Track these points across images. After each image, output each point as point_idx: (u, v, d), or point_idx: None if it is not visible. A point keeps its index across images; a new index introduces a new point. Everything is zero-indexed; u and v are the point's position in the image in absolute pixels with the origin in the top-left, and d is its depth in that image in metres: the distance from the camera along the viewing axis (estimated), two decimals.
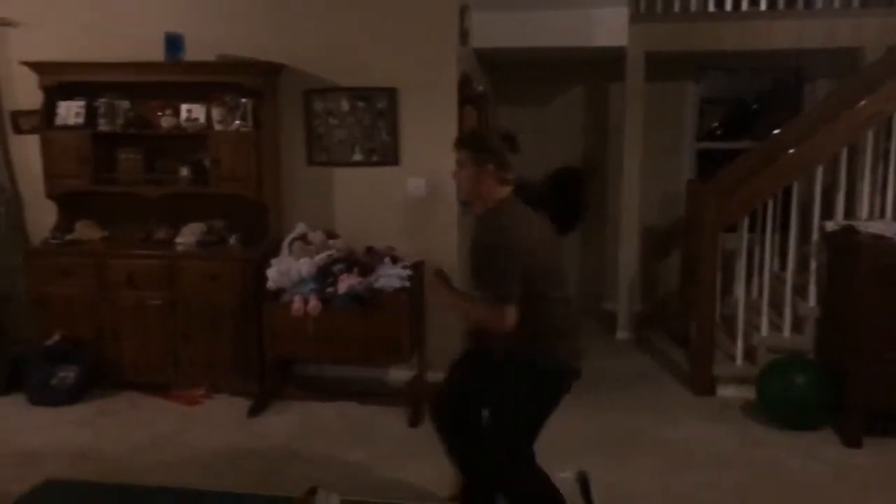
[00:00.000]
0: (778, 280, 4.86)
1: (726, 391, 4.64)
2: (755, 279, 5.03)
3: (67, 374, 4.48)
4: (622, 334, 5.90)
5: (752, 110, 7.13)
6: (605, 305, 6.60)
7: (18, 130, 4.94)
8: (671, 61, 6.05)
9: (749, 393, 4.42)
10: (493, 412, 2.78)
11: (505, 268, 2.59)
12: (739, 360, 4.64)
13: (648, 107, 5.79)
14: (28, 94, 4.75)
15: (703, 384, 4.67)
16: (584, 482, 2.57)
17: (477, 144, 2.77)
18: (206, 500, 2.09)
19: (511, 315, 2.58)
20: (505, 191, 2.75)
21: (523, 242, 2.64)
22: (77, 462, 3.69)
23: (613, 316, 6.05)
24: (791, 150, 4.71)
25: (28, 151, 4.86)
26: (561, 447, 3.88)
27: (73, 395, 4.49)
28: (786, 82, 6.51)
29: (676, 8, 5.56)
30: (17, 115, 4.91)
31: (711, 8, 5.53)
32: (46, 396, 4.45)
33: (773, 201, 4.67)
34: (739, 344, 4.63)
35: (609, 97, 6.48)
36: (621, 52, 5.46)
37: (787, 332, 4.57)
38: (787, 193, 4.60)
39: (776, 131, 5.56)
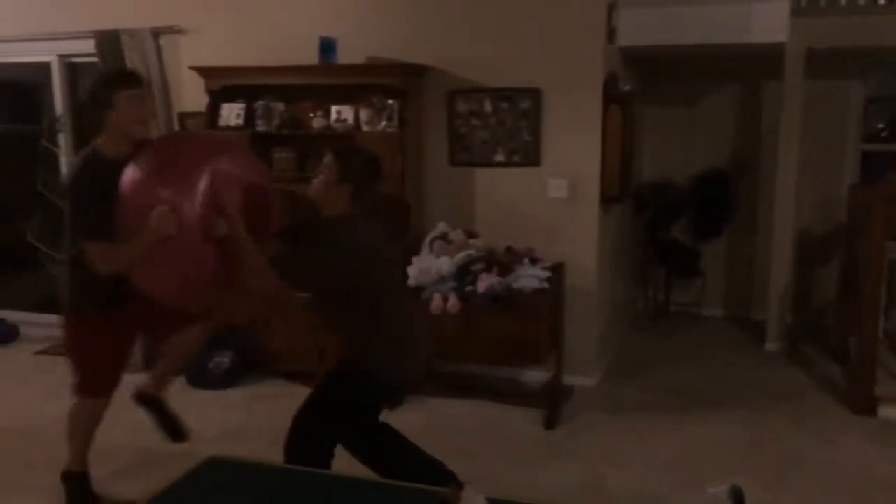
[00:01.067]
0: None
1: (888, 412, 4.30)
2: None
3: (223, 360, 4.78)
4: (771, 345, 5.60)
5: None
6: (752, 314, 6.30)
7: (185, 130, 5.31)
8: (834, 58, 5.67)
9: None
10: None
11: (317, 259, 2.76)
12: None
13: (807, 106, 5.46)
14: (195, 97, 5.09)
15: (862, 403, 4.35)
16: (738, 498, 2.44)
17: (345, 162, 2.91)
18: (360, 488, 2.16)
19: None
20: (351, 209, 2.89)
21: (351, 261, 2.77)
22: (231, 443, 3.94)
23: (762, 325, 5.75)
24: None
25: None
26: (711, 461, 3.75)
27: (227, 380, 4.78)
28: None
29: (843, 1, 5.20)
30: (184, 117, 5.27)
31: (882, 0, 5.13)
32: (203, 379, 4.76)
33: None
34: None
35: (763, 95, 6.17)
36: (779, 48, 5.17)
37: None
38: None
39: None
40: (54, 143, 5.67)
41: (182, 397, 4.62)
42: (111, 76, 3.21)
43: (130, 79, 3.03)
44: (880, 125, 6.50)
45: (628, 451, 3.90)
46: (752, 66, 5.99)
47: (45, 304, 6.09)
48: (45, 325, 5.91)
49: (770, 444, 3.99)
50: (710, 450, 3.91)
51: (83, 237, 2.93)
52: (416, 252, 4.53)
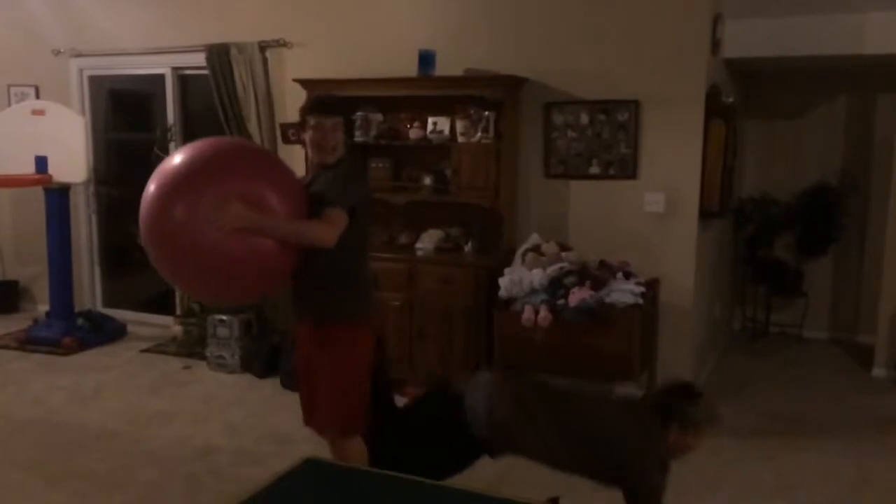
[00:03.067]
0: None
1: None
2: None
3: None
4: (879, 371, 5.31)
5: None
6: (859, 338, 6.00)
7: (286, 140, 5.48)
8: None
9: None
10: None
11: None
12: None
13: None
14: (296, 109, 5.23)
15: None
16: None
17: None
18: (447, 496, 2.17)
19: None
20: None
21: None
22: (322, 445, 4.03)
23: (869, 350, 5.47)
24: None
25: (293, 159, 5.37)
26: (811, 493, 3.59)
27: None
28: None
29: None
30: (285, 127, 5.45)
31: None
32: (295, 381, 4.88)
33: None
34: None
35: (876, 108, 5.88)
36: (895, 59, 4.92)
37: None
38: None
39: None
40: (165, 151, 5.96)
41: (275, 399, 4.78)
42: (309, 99, 3.39)
43: (320, 106, 3.05)
44: None
45: (723, 476, 3.77)
46: (864, 77, 5.72)
47: (151, 304, 6.41)
48: (151, 325, 6.22)
49: (874, 477, 3.77)
50: (810, 481, 3.74)
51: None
52: (509, 263, 4.53)
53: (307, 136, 3.03)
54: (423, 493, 2.15)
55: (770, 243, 6.09)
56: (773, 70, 5.69)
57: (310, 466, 2.23)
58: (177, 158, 2.83)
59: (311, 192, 2.97)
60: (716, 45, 4.60)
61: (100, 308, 6.50)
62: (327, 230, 2.83)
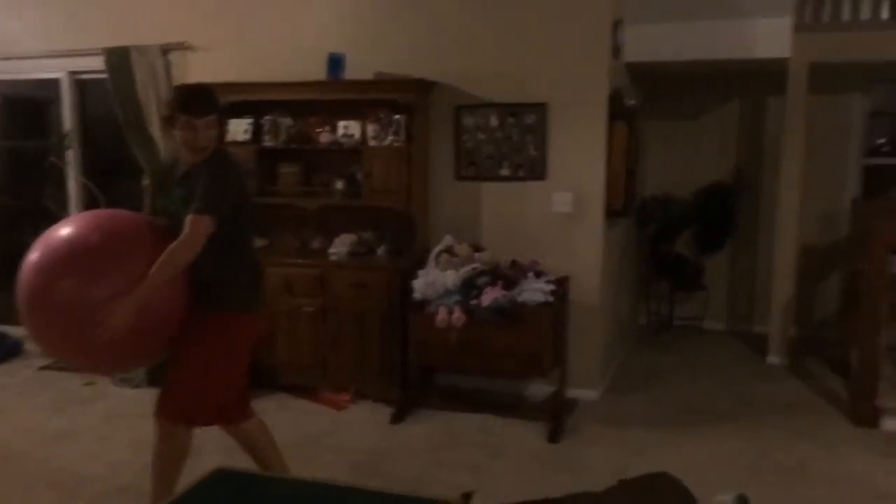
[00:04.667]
0: None
1: (891, 424, 4.31)
2: None
3: None
4: (773, 359, 5.61)
5: None
6: (754, 328, 6.33)
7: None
8: (837, 73, 5.72)
9: None
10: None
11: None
12: None
13: (810, 120, 5.50)
14: None
15: (865, 415, 4.37)
16: None
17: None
18: (355, 499, 2.18)
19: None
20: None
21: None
22: (234, 457, 3.94)
23: (763, 339, 5.78)
24: None
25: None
26: (715, 475, 3.76)
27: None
28: None
29: (845, 16, 5.25)
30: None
31: (885, 15, 5.18)
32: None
33: None
34: None
35: (766, 110, 6.23)
36: (782, 64, 5.22)
37: None
38: None
39: None
40: (62, 158, 5.72)
41: None
42: (178, 93, 3.14)
43: (193, 105, 2.89)
44: (881, 140, 6.54)
45: (632, 464, 3.91)
46: (756, 81, 6.04)
47: None
48: None
49: (773, 458, 4.00)
50: (714, 463, 3.92)
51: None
52: (422, 266, 4.56)
53: (177, 133, 2.90)
54: (334, 497, 2.15)
55: (671, 240, 6.35)
56: (671, 74, 5.94)
57: (220, 476, 2.19)
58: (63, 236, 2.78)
59: (183, 192, 2.92)
60: (616, 49, 4.76)
61: None
62: (189, 246, 2.79)
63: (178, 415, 2.99)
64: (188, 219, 2.80)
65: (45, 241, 2.80)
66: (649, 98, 6.11)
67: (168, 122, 2.97)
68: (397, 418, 4.50)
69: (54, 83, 5.77)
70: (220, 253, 2.89)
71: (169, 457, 3.04)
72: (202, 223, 2.79)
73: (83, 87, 5.80)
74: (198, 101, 2.92)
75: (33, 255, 2.77)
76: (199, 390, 2.97)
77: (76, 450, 4.11)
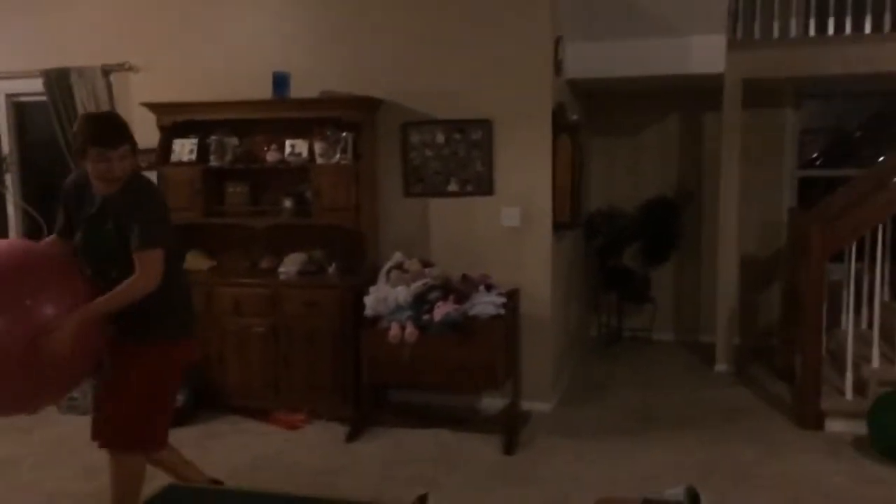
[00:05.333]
0: (888, 310, 4.65)
1: (835, 425, 4.44)
2: (864, 310, 4.83)
3: (178, 398, 4.68)
4: (721, 367, 5.74)
5: (855, 138, 6.90)
6: (701, 338, 6.46)
7: (137, 167, 5.26)
8: (770, 89, 5.94)
9: (860, 427, 4.23)
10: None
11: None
12: (849, 394, 4.44)
13: (746, 135, 5.70)
14: (147, 134, 5.02)
15: (809, 418, 4.49)
16: (693, 498, 2.50)
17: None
18: None
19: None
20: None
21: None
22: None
23: (710, 348, 5.90)
24: None
25: None
26: (667, 480, 3.81)
27: (182, 418, 4.68)
28: (891, 108, 6.28)
29: (775, 34, 5.47)
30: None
31: (812, 32, 5.41)
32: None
33: (882, 228, 4.49)
34: (849, 376, 4.43)
35: (704, 126, 6.42)
36: (718, 80, 5.40)
37: None
38: None
39: (882, 158, 5.37)
40: (1, 183, 5.58)
41: None
42: (87, 125, 2.88)
43: (105, 136, 2.80)
44: (814, 154, 6.81)
45: (586, 473, 3.95)
46: (693, 97, 6.23)
47: None
48: None
49: (722, 461, 4.08)
50: (666, 469, 3.98)
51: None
52: (373, 283, 4.55)
53: (89, 166, 2.81)
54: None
55: (619, 253, 6.47)
56: (610, 90, 6.09)
57: (172, 492, 2.15)
58: None
59: (108, 226, 2.84)
60: (558, 66, 4.87)
61: None
62: (148, 279, 2.80)
63: (129, 443, 2.96)
64: (137, 256, 2.79)
65: None
66: (591, 115, 6.25)
67: (80, 154, 2.85)
68: (352, 437, 4.46)
69: None
70: (161, 282, 2.87)
71: (127, 482, 2.99)
72: (155, 258, 2.81)
73: (22, 109, 5.67)
74: (110, 131, 2.82)
75: None
76: (145, 417, 2.95)
77: (18, 477, 3.99)
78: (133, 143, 2.88)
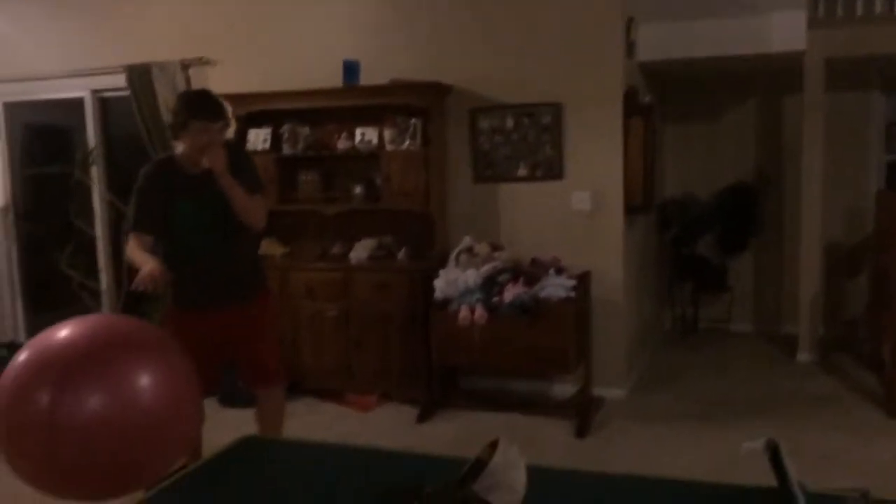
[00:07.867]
0: None
1: None
2: None
3: None
4: (803, 356, 5.52)
5: None
6: (782, 329, 6.23)
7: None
8: (854, 68, 5.69)
9: None
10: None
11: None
12: None
13: (829, 117, 5.47)
14: None
15: None
16: (774, 450, 2.41)
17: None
18: (393, 459, 2.17)
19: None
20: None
21: None
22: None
23: (792, 339, 5.68)
24: None
25: None
26: (745, 467, 3.65)
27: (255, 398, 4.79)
28: None
29: (859, 11, 5.23)
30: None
31: None
32: (234, 398, 4.79)
33: None
34: None
35: (784, 108, 6.20)
36: (798, 60, 5.21)
37: None
38: None
39: None
40: (87, 175, 5.83)
41: (214, 417, 4.65)
42: (190, 99, 3.13)
43: (207, 110, 2.98)
44: None
45: (662, 459, 3.85)
46: (773, 79, 6.03)
47: None
48: None
49: (806, 447, 3.90)
50: (745, 458, 3.84)
51: (127, 228, 3.08)
52: (443, 267, 4.56)
53: (188, 139, 2.95)
54: (358, 459, 2.14)
55: (693, 242, 6.30)
56: (685, 73, 5.94)
57: (246, 443, 2.19)
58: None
59: (201, 187, 3.00)
60: (630, 47, 4.78)
61: (23, 340, 6.25)
62: (264, 217, 3.16)
63: (283, 375, 3.51)
64: (257, 199, 3.10)
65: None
66: (664, 100, 6.12)
67: (180, 128, 2.99)
68: (422, 418, 4.47)
69: (76, 106, 5.89)
70: (256, 242, 3.37)
71: (283, 410, 3.55)
72: (266, 203, 3.22)
73: (105, 105, 5.92)
74: (212, 105, 3.02)
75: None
76: (279, 352, 3.49)
77: None
78: (228, 120, 3.12)
